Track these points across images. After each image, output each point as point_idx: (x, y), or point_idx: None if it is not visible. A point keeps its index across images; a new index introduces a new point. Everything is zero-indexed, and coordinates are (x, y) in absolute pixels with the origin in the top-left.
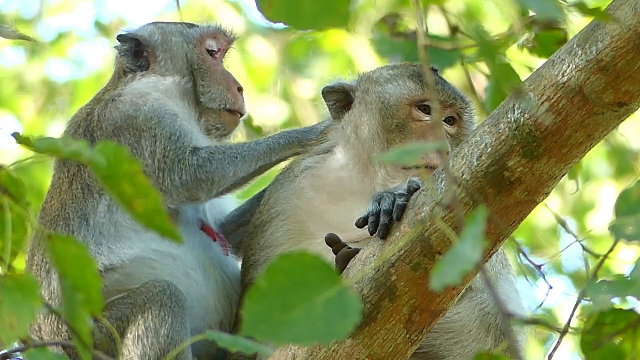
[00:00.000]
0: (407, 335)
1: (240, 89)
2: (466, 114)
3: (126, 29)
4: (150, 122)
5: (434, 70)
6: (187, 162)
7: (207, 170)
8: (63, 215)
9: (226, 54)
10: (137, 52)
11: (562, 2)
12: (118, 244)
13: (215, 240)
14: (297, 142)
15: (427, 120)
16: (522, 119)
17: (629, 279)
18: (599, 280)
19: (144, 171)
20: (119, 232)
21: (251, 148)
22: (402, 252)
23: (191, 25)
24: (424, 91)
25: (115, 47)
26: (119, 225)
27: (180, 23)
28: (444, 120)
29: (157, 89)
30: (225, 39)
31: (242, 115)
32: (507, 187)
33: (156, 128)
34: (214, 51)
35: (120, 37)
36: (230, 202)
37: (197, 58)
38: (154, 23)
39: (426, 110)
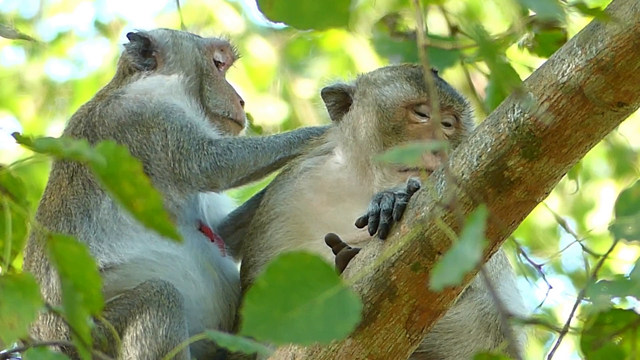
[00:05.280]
0: (407, 335)
1: (242, 103)
2: (464, 116)
3: (137, 28)
4: (157, 117)
5: (433, 72)
6: (207, 151)
7: (227, 158)
8: (64, 211)
9: (228, 70)
10: (145, 51)
11: (562, 2)
12: (119, 243)
13: (212, 240)
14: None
15: (424, 123)
16: (522, 119)
17: (629, 279)
18: (599, 280)
19: (158, 165)
20: (122, 230)
21: (271, 140)
22: (402, 252)
23: (199, 36)
24: (421, 94)
25: (124, 44)
26: (122, 223)
27: (189, 32)
28: (441, 123)
29: (162, 86)
30: (231, 54)
31: (241, 128)
32: (507, 187)
33: (165, 123)
34: (220, 62)
35: (130, 35)
36: (229, 204)
37: (207, 64)
38: (165, 28)
39: (423, 112)
